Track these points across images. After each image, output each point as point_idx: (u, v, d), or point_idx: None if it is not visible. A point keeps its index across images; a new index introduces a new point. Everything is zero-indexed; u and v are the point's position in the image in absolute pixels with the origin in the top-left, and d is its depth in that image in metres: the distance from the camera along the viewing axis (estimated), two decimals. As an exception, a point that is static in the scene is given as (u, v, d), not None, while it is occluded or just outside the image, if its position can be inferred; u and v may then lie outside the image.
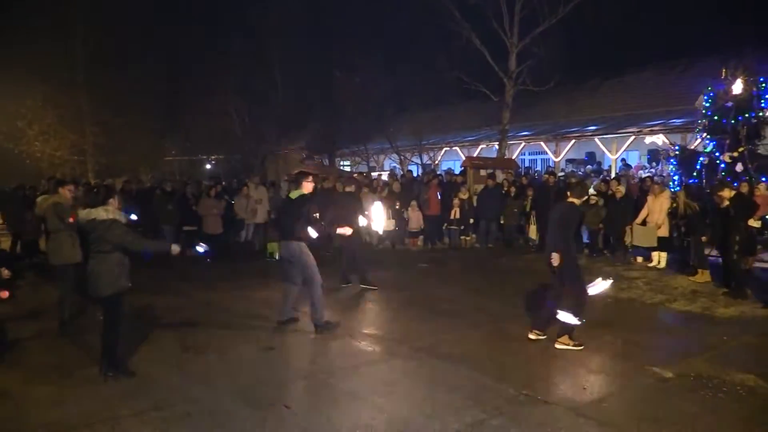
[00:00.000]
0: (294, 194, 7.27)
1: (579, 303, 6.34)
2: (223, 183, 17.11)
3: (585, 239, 12.72)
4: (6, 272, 5.74)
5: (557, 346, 6.36)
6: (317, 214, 7.56)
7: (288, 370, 5.76)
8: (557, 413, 4.74)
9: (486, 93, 21.20)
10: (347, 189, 10.28)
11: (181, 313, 7.98)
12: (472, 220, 14.41)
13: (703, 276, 9.85)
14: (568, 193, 6.69)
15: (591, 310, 7.83)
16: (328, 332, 6.94)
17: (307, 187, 7.22)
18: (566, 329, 6.39)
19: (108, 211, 5.39)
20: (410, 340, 6.68)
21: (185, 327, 7.27)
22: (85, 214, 5.38)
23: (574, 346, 6.32)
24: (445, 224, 14.47)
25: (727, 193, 8.98)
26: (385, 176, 18.86)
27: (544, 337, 6.62)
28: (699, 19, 21.71)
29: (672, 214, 10.72)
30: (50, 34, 22.69)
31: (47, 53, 22.61)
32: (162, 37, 24.99)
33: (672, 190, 11.95)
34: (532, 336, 6.66)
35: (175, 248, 5.91)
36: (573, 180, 11.63)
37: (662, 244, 10.96)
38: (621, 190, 12.09)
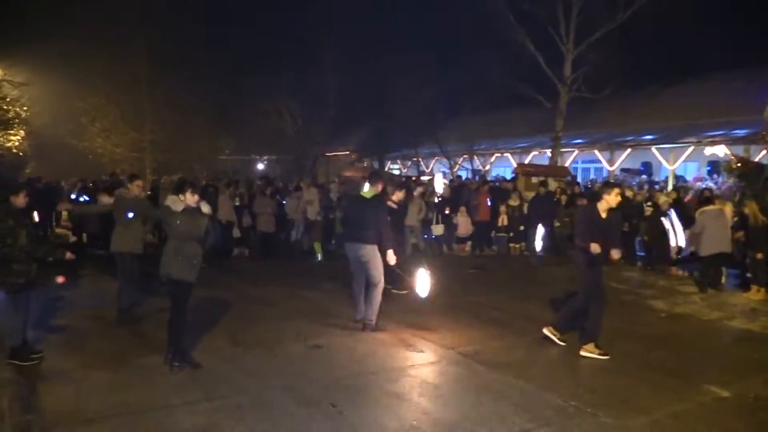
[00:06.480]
0: (368, 193, 7.23)
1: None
2: (277, 183, 17.28)
3: (639, 252, 12.39)
4: (69, 254, 6.03)
5: (582, 353, 6.29)
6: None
7: (335, 369, 5.80)
8: (607, 427, 4.63)
9: (539, 99, 20.88)
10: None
11: (230, 308, 8.14)
12: (522, 228, 14.22)
13: (759, 293, 9.46)
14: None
15: (645, 325, 7.67)
16: (372, 331, 7.04)
17: (380, 188, 7.25)
18: (590, 336, 6.31)
19: (206, 207, 6.05)
20: (457, 345, 6.65)
21: (235, 322, 7.43)
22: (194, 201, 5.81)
23: (600, 354, 6.22)
24: (493, 231, 14.33)
25: None
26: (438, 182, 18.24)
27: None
28: (765, 27, 20.85)
29: (735, 227, 10.32)
30: (113, 34, 23.59)
31: (111, 52, 23.53)
32: (218, 37, 25.66)
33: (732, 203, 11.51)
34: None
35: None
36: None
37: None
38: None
